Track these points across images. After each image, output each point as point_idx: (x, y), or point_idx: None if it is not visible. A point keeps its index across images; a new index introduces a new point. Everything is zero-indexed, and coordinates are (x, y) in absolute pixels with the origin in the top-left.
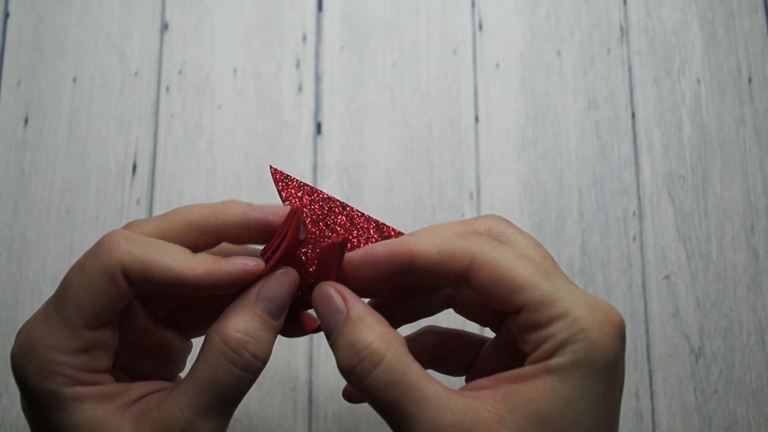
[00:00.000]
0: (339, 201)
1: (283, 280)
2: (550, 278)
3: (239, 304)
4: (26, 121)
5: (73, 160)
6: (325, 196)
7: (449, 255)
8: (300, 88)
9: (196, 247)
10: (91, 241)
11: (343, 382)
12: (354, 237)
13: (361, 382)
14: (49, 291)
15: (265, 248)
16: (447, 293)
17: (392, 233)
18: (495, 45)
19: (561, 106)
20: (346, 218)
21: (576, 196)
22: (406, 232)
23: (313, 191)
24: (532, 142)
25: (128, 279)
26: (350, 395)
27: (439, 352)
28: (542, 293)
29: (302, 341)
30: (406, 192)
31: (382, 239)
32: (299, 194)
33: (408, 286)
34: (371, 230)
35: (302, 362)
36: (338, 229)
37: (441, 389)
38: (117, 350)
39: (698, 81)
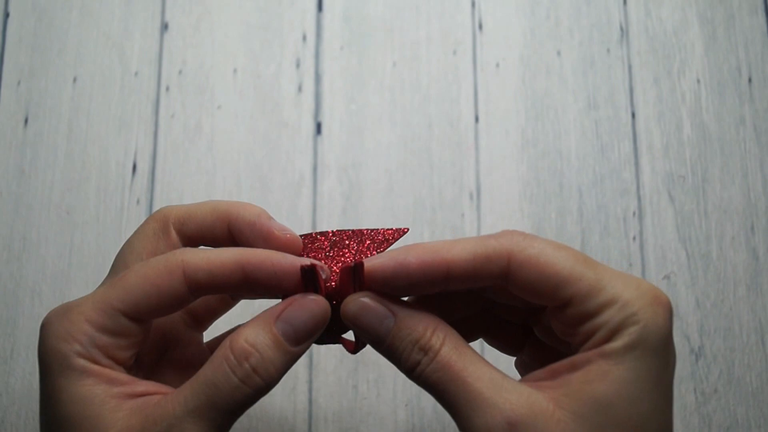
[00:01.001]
0: (328, 232)
1: (311, 306)
2: (591, 266)
3: (260, 317)
4: (26, 121)
5: (73, 160)
6: (315, 234)
7: (485, 257)
8: (300, 88)
9: (214, 230)
10: (91, 241)
11: (343, 383)
12: (361, 252)
13: (425, 377)
14: (49, 291)
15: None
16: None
17: (388, 235)
18: (495, 45)
19: (561, 106)
20: (346, 240)
21: (576, 196)
22: (401, 227)
23: (307, 237)
24: (532, 142)
25: (189, 279)
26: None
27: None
28: (588, 283)
29: None
30: (406, 192)
31: (380, 243)
32: (308, 244)
33: (439, 291)
34: (367, 241)
35: (302, 362)
36: (346, 252)
37: (498, 376)
38: (143, 351)
39: (698, 81)
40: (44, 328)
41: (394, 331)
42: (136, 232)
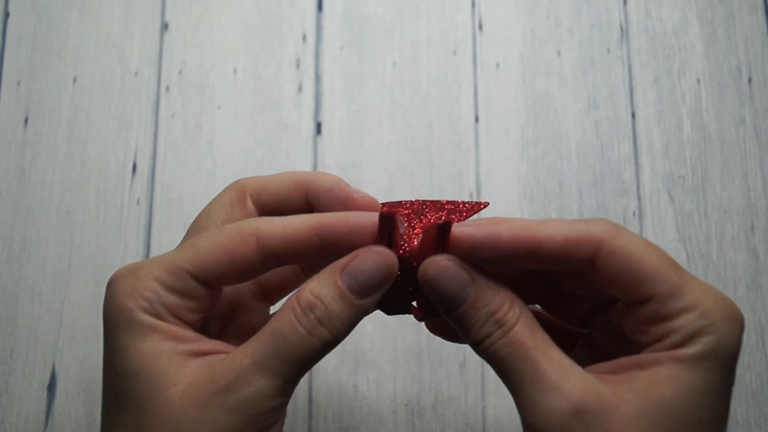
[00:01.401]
0: (406, 201)
1: (376, 259)
2: (677, 270)
3: (326, 270)
4: (26, 121)
5: (73, 160)
6: (392, 203)
7: (576, 241)
8: (300, 88)
9: (291, 200)
10: (91, 241)
11: (343, 383)
12: (444, 217)
13: (493, 351)
14: (49, 291)
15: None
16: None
17: (467, 207)
18: (495, 45)
19: (561, 106)
20: (429, 208)
21: (576, 196)
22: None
23: (386, 204)
24: (532, 142)
25: (262, 247)
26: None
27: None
28: (672, 285)
29: None
30: (406, 192)
31: (460, 214)
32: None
33: (522, 268)
34: (446, 211)
35: None
36: (424, 220)
37: (567, 362)
38: (211, 317)
39: (698, 81)
40: (111, 285)
41: (472, 299)
42: (213, 201)
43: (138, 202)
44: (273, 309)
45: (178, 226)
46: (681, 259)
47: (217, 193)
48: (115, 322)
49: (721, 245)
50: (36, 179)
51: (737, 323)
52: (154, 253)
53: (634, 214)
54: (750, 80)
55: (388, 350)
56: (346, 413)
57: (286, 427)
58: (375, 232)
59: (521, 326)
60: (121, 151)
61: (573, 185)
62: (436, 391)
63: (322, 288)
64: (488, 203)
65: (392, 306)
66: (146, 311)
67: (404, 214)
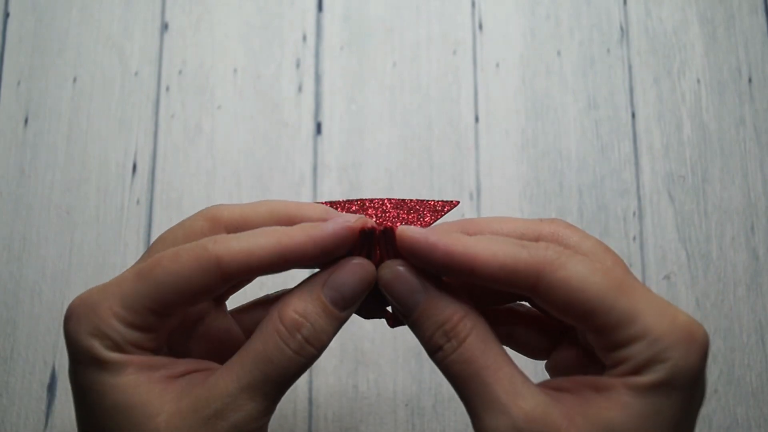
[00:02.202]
0: (377, 200)
1: (356, 270)
2: (624, 293)
3: (305, 286)
4: (26, 121)
5: (73, 160)
6: (363, 201)
7: (513, 271)
8: (300, 88)
9: None
10: (91, 241)
11: (343, 383)
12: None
13: (445, 365)
14: (49, 291)
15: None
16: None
17: (438, 206)
18: (495, 45)
19: (561, 106)
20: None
21: (576, 196)
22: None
23: (355, 203)
24: (532, 142)
25: (224, 272)
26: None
27: (517, 333)
28: (618, 314)
29: None
30: (406, 192)
31: (433, 213)
32: (353, 209)
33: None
34: (421, 211)
35: None
36: (396, 222)
37: (518, 380)
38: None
39: (698, 81)
40: (70, 321)
41: (423, 307)
42: (181, 225)
43: (138, 202)
44: (229, 304)
45: None
46: (681, 259)
47: (216, 192)
48: (83, 362)
49: (721, 245)
50: (36, 179)
51: (695, 344)
52: None
53: (634, 214)
54: (750, 80)
55: (388, 350)
56: (346, 413)
57: (286, 427)
58: (343, 250)
59: (472, 341)
60: (121, 151)
61: (573, 185)
62: (436, 391)
63: (306, 305)
64: (458, 202)
65: (369, 311)
66: (111, 349)
67: (370, 214)
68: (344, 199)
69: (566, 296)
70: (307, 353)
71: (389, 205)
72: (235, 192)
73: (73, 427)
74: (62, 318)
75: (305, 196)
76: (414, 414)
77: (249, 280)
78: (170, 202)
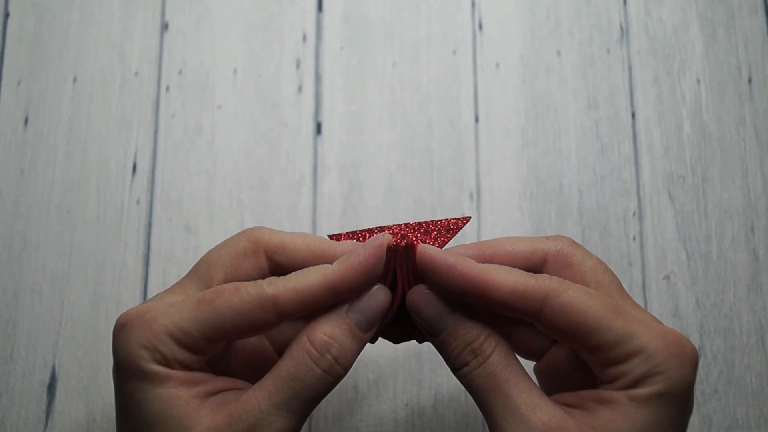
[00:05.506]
0: (393, 226)
1: (377, 294)
2: (620, 314)
3: (331, 312)
4: (26, 121)
5: (73, 160)
6: (368, 230)
7: (521, 296)
8: (300, 88)
9: (306, 265)
10: (91, 241)
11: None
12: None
13: (469, 379)
14: (49, 291)
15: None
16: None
17: (452, 225)
18: (495, 45)
19: (561, 106)
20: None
21: (576, 196)
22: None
23: (358, 234)
24: (532, 142)
25: (279, 310)
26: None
27: (515, 333)
28: (615, 334)
29: None
30: (406, 192)
31: (447, 232)
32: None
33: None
34: (433, 232)
35: None
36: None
37: (537, 394)
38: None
39: (698, 81)
40: (123, 330)
41: (452, 328)
42: (225, 244)
43: (138, 202)
44: None
45: (178, 226)
46: (681, 259)
47: (216, 192)
48: (130, 370)
49: (721, 245)
50: (36, 179)
51: (686, 359)
52: (153, 253)
53: (634, 214)
54: (750, 80)
55: (388, 350)
56: (346, 413)
57: None
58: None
59: (496, 357)
60: (121, 151)
61: (573, 185)
62: (436, 391)
63: (333, 328)
64: (470, 218)
65: (398, 335)
66: (158, 362)
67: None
68: (365, 229)
69: (569, 317)
70: (335, 372)
71: (407, 230)
72: (235, 192)
73: (73, 427)
74: (62, 318)
75: (305, 196)
76: (414, 414)
77: (302, 318)
78: (170, 202)
